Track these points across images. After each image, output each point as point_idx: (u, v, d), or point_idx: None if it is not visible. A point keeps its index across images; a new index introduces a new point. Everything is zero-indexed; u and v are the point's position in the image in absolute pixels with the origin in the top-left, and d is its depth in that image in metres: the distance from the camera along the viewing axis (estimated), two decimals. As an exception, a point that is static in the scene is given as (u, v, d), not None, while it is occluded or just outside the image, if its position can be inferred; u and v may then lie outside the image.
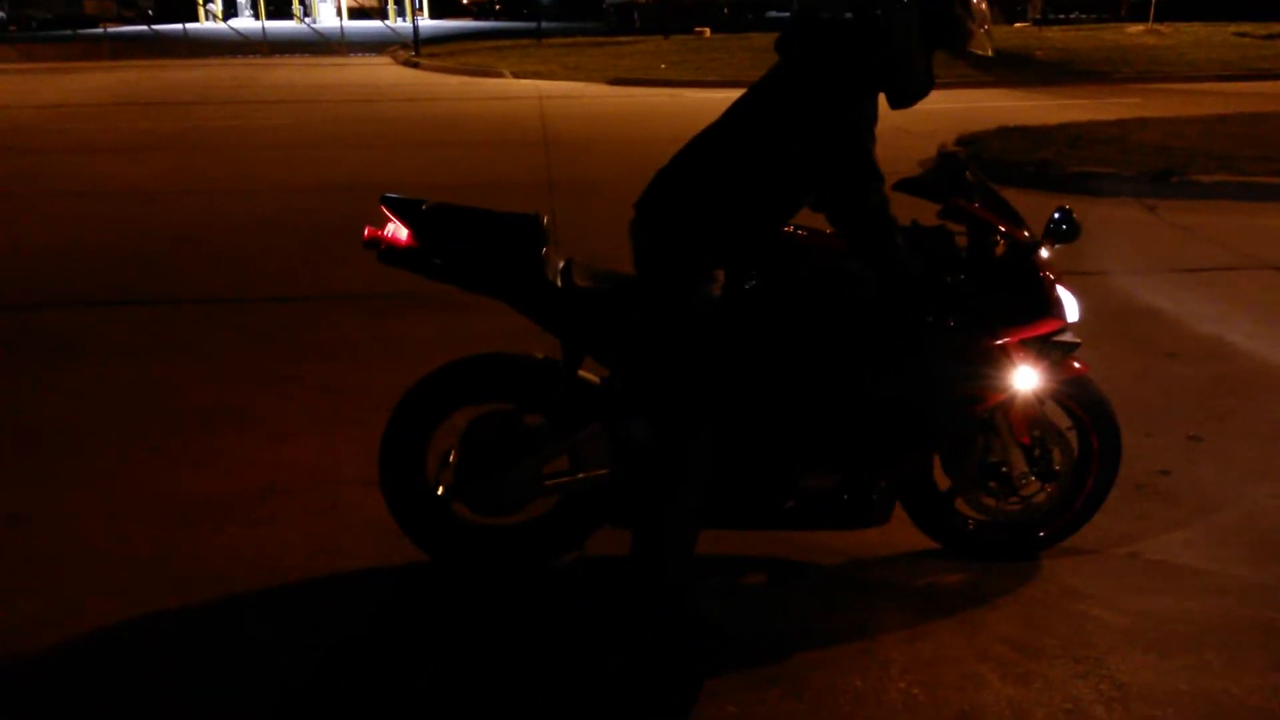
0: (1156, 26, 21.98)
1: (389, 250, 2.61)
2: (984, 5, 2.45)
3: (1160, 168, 7.65)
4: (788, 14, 27.12)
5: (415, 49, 20.77)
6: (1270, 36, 19.71)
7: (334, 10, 38.54)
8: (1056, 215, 2.68)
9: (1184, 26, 22.23)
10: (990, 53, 2.47)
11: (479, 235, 2.63)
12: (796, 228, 2.67)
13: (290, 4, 38.57)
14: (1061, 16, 27.88)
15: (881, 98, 2.47)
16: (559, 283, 2.63)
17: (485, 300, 2.70)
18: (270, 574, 2.85)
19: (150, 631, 2.62)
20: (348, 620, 2.68)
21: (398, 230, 2.60)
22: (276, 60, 20.90)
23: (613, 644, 2.56)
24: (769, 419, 2.66)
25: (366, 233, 2.62)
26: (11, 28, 29.89)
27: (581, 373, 2.73)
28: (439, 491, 2.76)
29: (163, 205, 7.41)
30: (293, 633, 2.62)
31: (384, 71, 18.77)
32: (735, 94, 2.57)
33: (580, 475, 2.73)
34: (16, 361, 4.42)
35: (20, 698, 2.39)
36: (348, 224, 3.21)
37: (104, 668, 2.48)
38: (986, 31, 2.46)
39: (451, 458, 2.75)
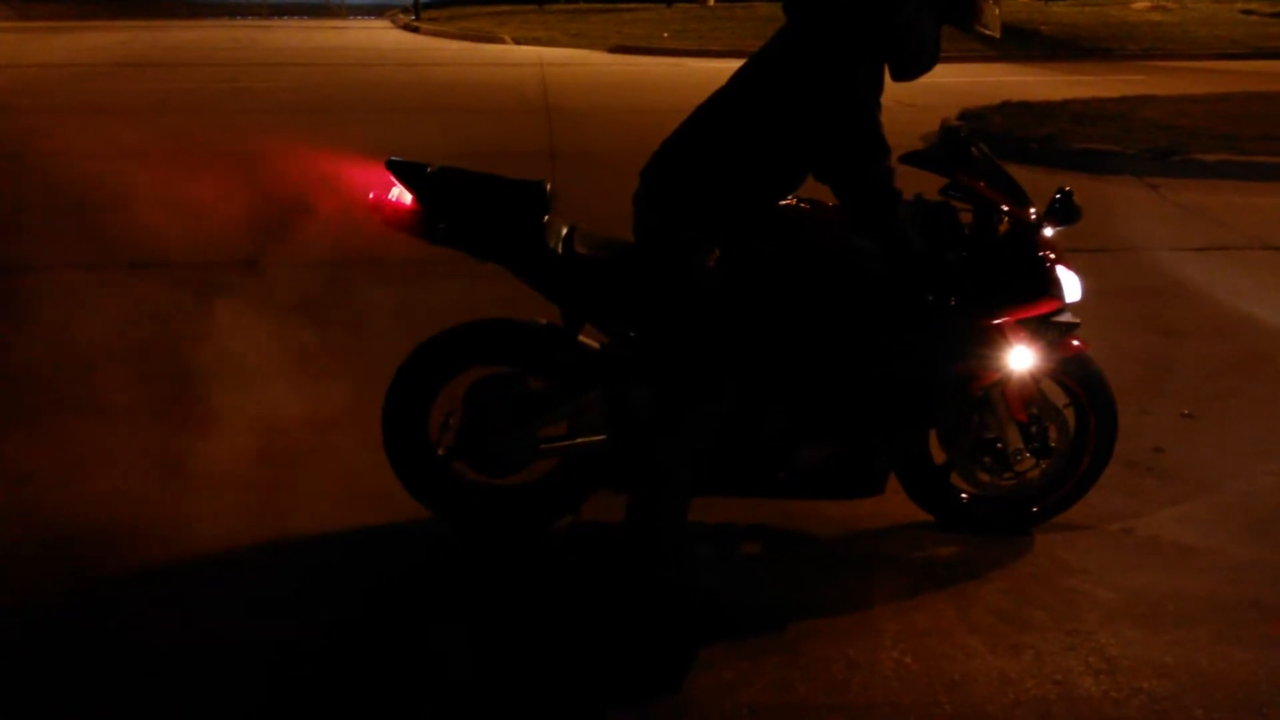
0: (1163, 3, 21.80)
1: (393, 214, 2.61)
2: None
3: (1163, 146, 7.62)
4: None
5: (415, 13, 20.56)
6: (1278, 15, 19.56)
7: (334, -28, 38.05)
8: (1058, 197, 2.68)
9: (1191, 3, 22.04)
10: (998, 33, 2.45)
11: (483, 200, 2.64)
12: (799, 200, 2.67)
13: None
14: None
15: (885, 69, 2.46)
16: (560, 250, 2.64)
17: (490, 268, 2.70)
18: (273, 535, 2.88)
19: (154, 591, 2.65)
20: (347, 582, 2.71)
21: (402, 194, 2.60)
22: (276, 22, 20.71)
23: (605, 610, 2.59)
24: (765, 390, 2.67)
25: (371, 196, 2.62)
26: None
27: (582, 338, 2.75)
28: (440, 451, 2.79)
29: (166, 168, 7.36)
30: (294, 595, 2.65)
31: (383, 35, 18.61)
32: (739, 64, 2.56)
33: (579, 439, 2.76)
34: (18, 324, 4.41)
35: (24, 654, 2.42)
36: (348, 189, 3.21)
37: (107, 625, 2.51)
38: (994, 4, 2.44)
39: (453, 419, 2.77)
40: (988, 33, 2.44)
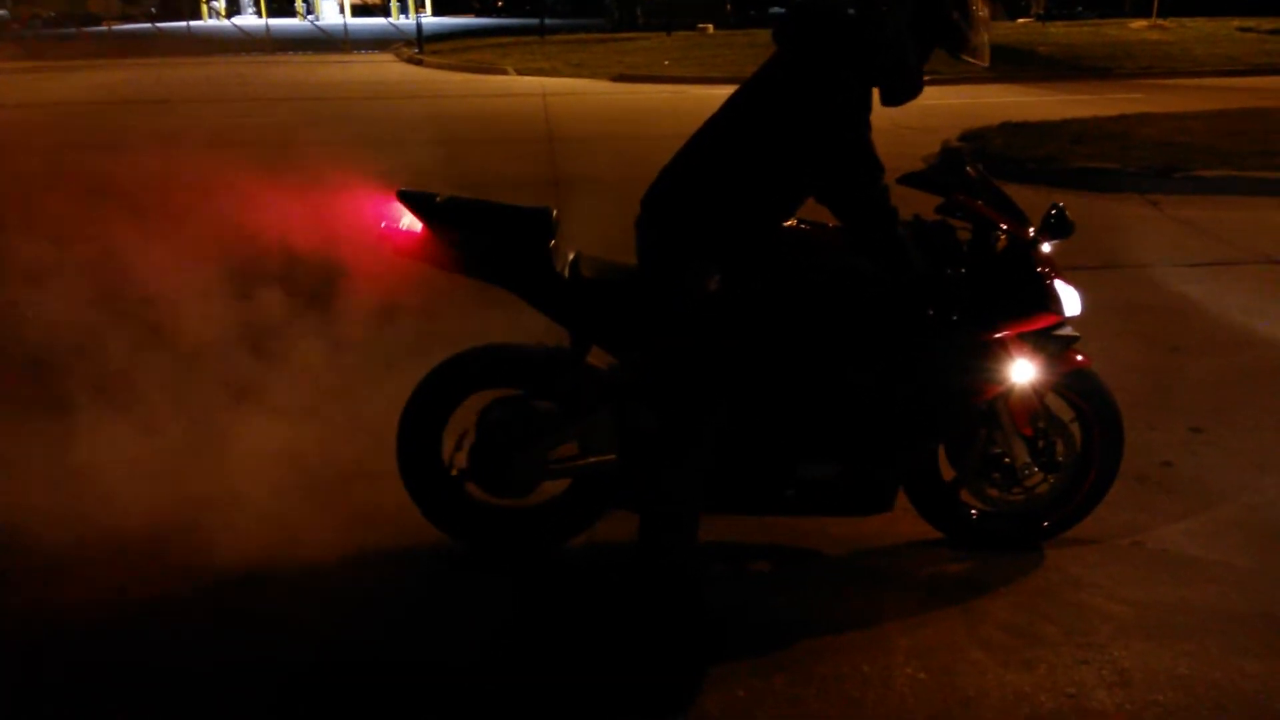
0: (1160, 22, 21.95)
1: (404, 243, 2.66)
2: (983, 12, 2.44)
3: (1163, 163, 7.67)
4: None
5: (419, 46, 20.78)
6: (1275, 31, 19.67)
7: (337, 7, 38.56)
8: (1052, 212, 2.73)
9: (1188, 22, 22.20)
10: (986, 61, 2.47)
11: (491, 228, 2.69)
12: (800, 221, 2.71)
13: (294, 1, 38.48)
14: (1065, 12, 27.84)
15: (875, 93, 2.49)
16: (567, 274, 2.68)
17: (502, 296, 2.74)
18: (283, 558, 2.89)
19: (165, 613, 2.67)
20: (357, 601, 2.73)
21: (412, 223, 2.65)
22: (280, 58, 20.92)
23: (616, 629, 2.60)
24: (770, 409, 2.70)
25: (383, 226, 2.67)
26: (14, 25, 29.91)
27: (591, 360, 2.79)
28: (453, 473, 2.83)
29: (175, 204, 7.42)
30: (308, 616, 2.67)
31: (388, 69, 18.79)
32: (739, 90, 2.60)
33: (590, 459, 2.79)
34: (30, 357, 4.44)
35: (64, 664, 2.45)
36: (354, 222, 3.25)
37: (116, 644, 2.54)
38: (985, 31, 2.46)
39: (466, 440, 2.81)
40: (974, 60, 2.45)
